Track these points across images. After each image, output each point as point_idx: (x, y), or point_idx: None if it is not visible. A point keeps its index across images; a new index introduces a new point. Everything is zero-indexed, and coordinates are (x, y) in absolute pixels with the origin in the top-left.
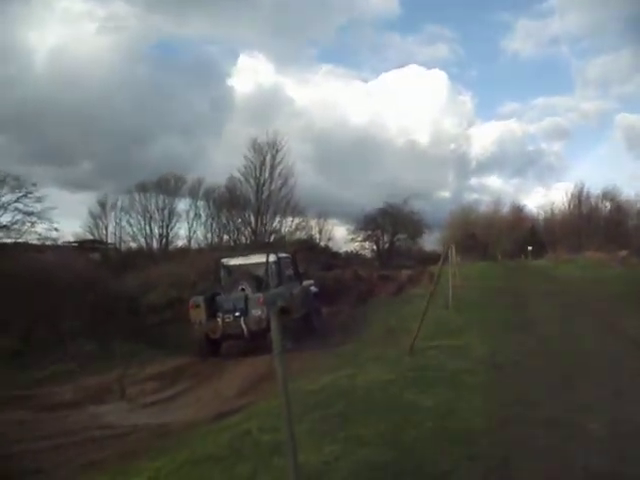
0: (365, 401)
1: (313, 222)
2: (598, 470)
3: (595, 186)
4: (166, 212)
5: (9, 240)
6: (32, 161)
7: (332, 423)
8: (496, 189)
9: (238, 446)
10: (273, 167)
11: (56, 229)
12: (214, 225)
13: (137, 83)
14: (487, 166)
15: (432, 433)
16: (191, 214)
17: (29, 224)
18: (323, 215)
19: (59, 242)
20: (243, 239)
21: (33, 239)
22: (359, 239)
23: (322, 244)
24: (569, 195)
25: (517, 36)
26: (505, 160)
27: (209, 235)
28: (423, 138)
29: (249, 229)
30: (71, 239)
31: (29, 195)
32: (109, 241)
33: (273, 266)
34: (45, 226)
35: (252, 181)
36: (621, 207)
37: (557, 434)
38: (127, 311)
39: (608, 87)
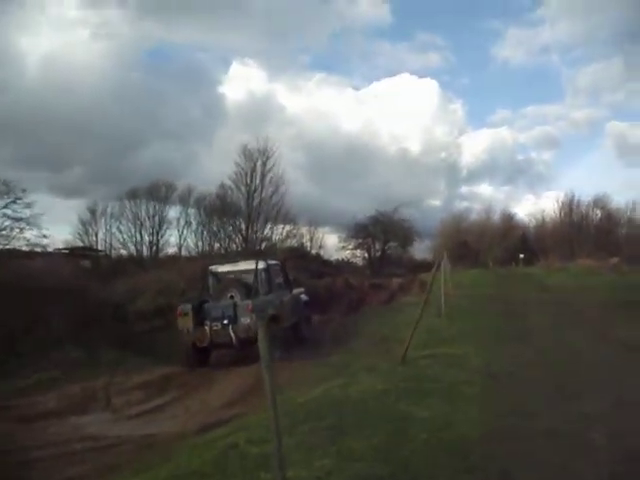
0: (357, 413)
1: (304, 230)
2: None
3: (585, 194)
4: (156, 219)
5: None
6: (23, 166)
7: (323, 436)
8: (487, 197)
9: (224, 461)
10: (264, 174)
11: (45, 236)
12: (205, 233)
13: (129, 90)
14: (478, 174)
15: (427, 446)
16: (182, 221)
17: (18, 230)
18: (314, 223)
19: (50, 249)
20: (234, 247)
21: (22, 245)
22: (350, 247)
23: (313, 252)
24: (560, 203)
25: (508, 44)
26: (496, 168)
27: (200, 243)
28: (414, 146)
29: (240, 237)
30: (62, 246)
31: (18, 201)
32: (99, 248)
33: (262, 273)
34: (34, 232)
35: (243, 188)
36: (612, 215)
37: (557, 446)
38: (114, 318)
39: (599, 95)
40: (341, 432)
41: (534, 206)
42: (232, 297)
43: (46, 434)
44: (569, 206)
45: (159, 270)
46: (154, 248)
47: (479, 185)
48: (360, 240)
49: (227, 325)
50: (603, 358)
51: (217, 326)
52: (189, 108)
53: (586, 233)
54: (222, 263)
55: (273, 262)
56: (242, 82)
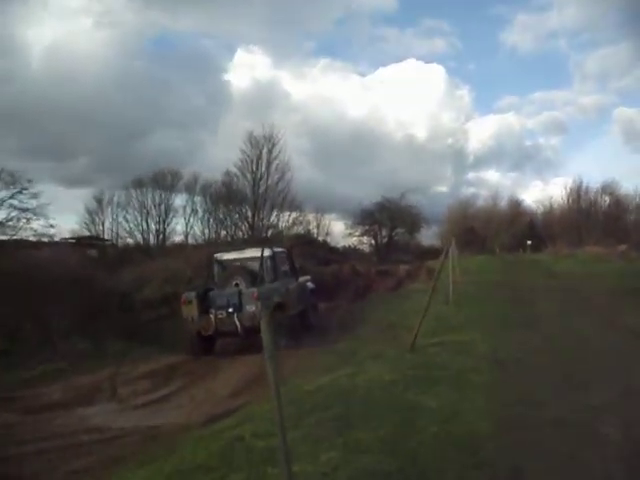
0: (365, 403)
1: (311, 217)
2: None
3: (593, 180)
4: (163, 207)
5: (4, 237)
6: (28, 157)
7: (330, 427)
8: (494, 183)
9: (230, 454)
10: (269, 161)
11: (52, 226)
12: (211, 220)
13: (134, 78)
14: (485, 160)
15: (436, 438)
16: (188, 209)
17: (24, 221)
18: (321, 210)
19: (57, 239)
20: (240, 234)
21: (29, 236)
22: (357, 234)
23: (320, 239)
24: (568, 189)
25: (515, 30)
26: (503, 154)
27: (206, 230)
28: (421, 132)
29: (246, 224)
30: (68, 235)
31: (24, 191)
32: (106, 237)
33: (268, 261)
34: (41, 222)
35: (249, 175)
36: (620, 201)
37: (568, 437)
38: (121, 308)
39: (606, 81)
40: (348, 423)
41: (542, 192)
42: (237, 285)
43: (51, 426)
44: (577, 192)
45: (165, 258)
46: (161, 236)
47: (486, 171)
48: (367, 227)
49: (232, 313)
50: (611, 346)
51: (222, 314)
52: (194, 96)
53: (594, 220)
54: (228, 251)
55: (279, 249)
56: (247, 69)
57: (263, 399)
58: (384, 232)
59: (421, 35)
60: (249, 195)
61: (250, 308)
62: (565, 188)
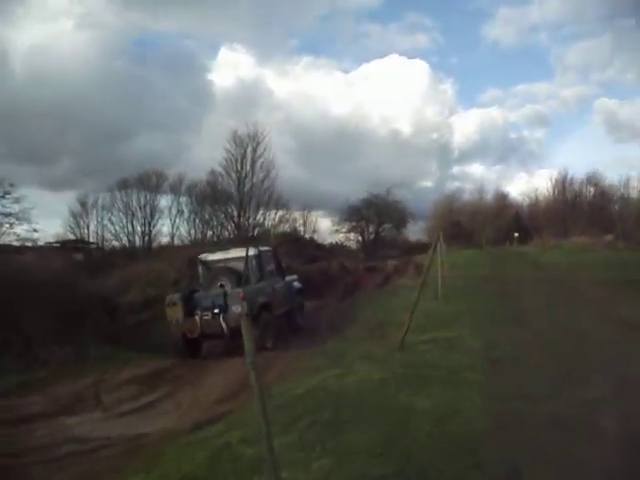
0: (356, 405)
1: (297, 214)
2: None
3: (578, 172)
4: (148, 209)
5: None
6: (10, 160)
7: (321, 432)
8: (479, 176)
9: (217, 463)
10: (254, 160)
11: (35, 230)
12: (197, 221)
13: (116, 79)
14: (469, 154)
15: (431, 439)
16: (173, 210)
17: (7, 225)
18: (307, 207)
19: (41, 243)
20: (226, 234)
21: (12, 241)
22: (344, 230)
23: (307, 236)
24: (553, 181)
25: (497, 24)
26: (487, 147)
27: (192, 231)
28: (405, 127)
29: (232, 223)
30: (53, 240)
31: (7, 196)
32: (91, 240)
33: (253, 260)
34: (24, 227)
35: (233, 175)
36: (605, 192)
37: (567, 435)
38: (104, 312)
39: (588, 73)
40: (339, 427)
41: (527, 185)
42: (222, 286)
43: (30, 438)
44: (562, 184)
45: (150, 260)
46: (146, 238)
47: (471, 165)
48: (353, 223)
49: (218, 315)
50: (603, 338)
51: (207, 316)
52: (178, 96)
53: (579, 210)
54: (212, 251)
55: (264, 248)
56: (230, 68)
57: (250, 404)
58: (371, 228)
59: (404, 31)
60: (234, 194)
61: (236, 309)
62: (550, 180)
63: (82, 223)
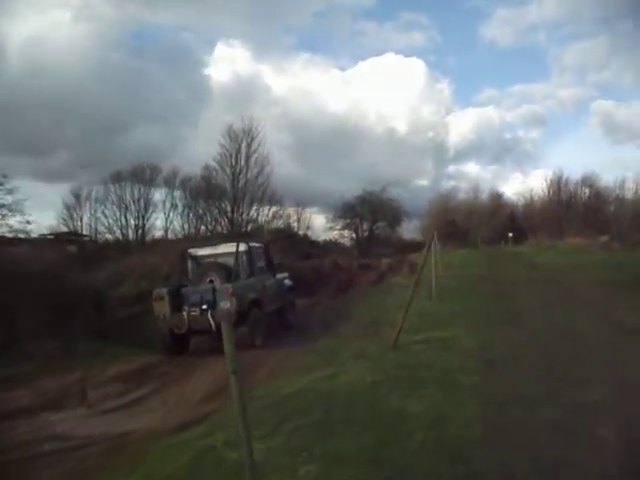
0: (346, 407)
1: (291, 210)
2: None
3: (574, 172)
4: (142, 202)
5: None
6: (6, 152)
7: (309, 435)
8: (474, 176)
9: (200, 466)
10: (249, 155)
11: (28, 222)
12: (191, 215)
13: (114, 72)
14: (465, 153)
15: (423, 446)
16: (167, 204)
17: (0, 217)
18: (301, 203)
19: (35, 235)
20: (220, 229)
21: (5, 232)
22: (338, 227)
23: (300, 233)
24: (548, 181)
25: (494, 24)
26: (483, 147)
27: (186, 225)
28: (401, 126)
29: (226, 219)
30: (47, 232)
31: None
32: (84, 233)
33: (244, 256)
34: (17, 219)
35: (228, 169)
36: (600, 193)
37: (564, 442)
38: (94, 305)
39: (585, 74)
40: (329, 430)
41: (522, 185)
42: (212, 281)
43: (11, 435)
44: (557, 184)
45: (143, 254)
46: (140, 232)
47: (466, 164)
48: (348, 220)
49: (206, 310)
50: (599, 340)
51: (195, 311)
52: (174, 90)
53: (575, 211)
54: (203, 246)
55: (255, 244)
56: (227, 63)
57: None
58: (365, 226)
59: (400, 29)
60: (228, 189)
61: (224, 305)
62: (545, 180)
63: (75, 215)
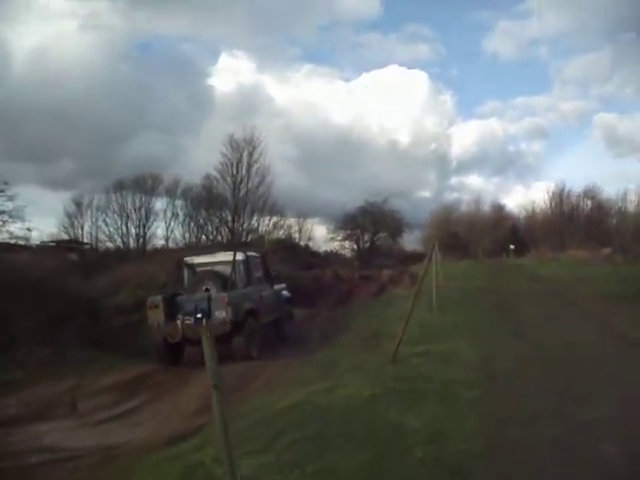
0: (343, 422)
1: (293, 221)
2: None
3: (576, 185)
4: (143, 211)
5: None
6: (12, 159)
7: (304, 451)
8: (476, 188)
9: None
10: (250, 164)
11: (29, 229)
12: (192, 224)
13: (118, 82)
14: (467, 165)
15: (423, 462)
16: (168, 213)
17: (0, 223)
18: (303, 214)
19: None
20: (220, 238)
21: (5, 239)
22: (339, 238)
23: (301, 243)
24: (550, 194)
25: (497, 36)
26: (485, 159)
27: (187, 234)
28: (404, 138)
29: (226, 228)
30: (49, 239)
31: (0, 194)
32: (85, 241)
33: (241, 265)
34: (18, 225)
35: (229, 179)
36: (602, 205)
37: (567, 458)
38: (90, 314)
39: (587, 87)
40: (324, 446)
41: (524, 197)
42: (207, 290)
43: (1, 444)
44: (559, 197)
45: (141, 262)
46: (141, 241)
47: (469, 176)
48: (349, 231)
49: (200, 319)
50: (603, 354)
51: (190, 320)
52: (178, 100)
53: (577, 224)
54: (199, 254)
55: (253, 254)
56: (231, 74)
57: (230, 416)
58: (366, 237)
59: (404, 41)
60: (229, 199)
61: (220, 314)
62: (547, 192)
63: (76, 223)
